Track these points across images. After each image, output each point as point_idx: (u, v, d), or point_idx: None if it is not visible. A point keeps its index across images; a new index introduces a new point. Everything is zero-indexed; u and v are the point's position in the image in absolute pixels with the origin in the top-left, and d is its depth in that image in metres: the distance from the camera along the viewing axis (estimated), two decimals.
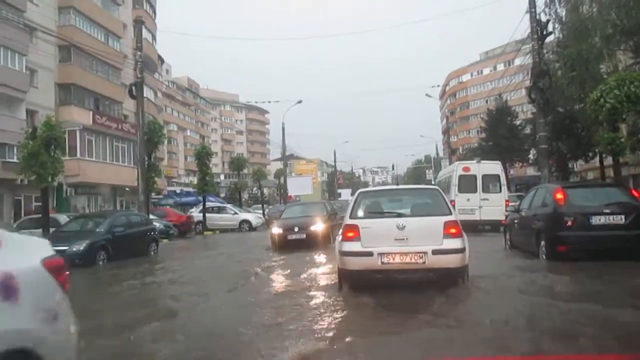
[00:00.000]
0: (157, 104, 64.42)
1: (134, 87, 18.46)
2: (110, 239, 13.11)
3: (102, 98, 35.34)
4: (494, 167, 20.29)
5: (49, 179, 16.47)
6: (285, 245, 15.37)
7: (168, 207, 36.51)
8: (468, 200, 18.91)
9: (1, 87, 26.13)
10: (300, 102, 42.42)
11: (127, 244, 13.57)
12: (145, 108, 42.17)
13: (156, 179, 21.69)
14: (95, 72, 34.94)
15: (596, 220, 9.52)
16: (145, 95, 43.00)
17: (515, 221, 12.41)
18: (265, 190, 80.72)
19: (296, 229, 15.90)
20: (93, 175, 31.51)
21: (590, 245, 9.44)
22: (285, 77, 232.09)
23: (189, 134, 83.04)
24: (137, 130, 18.95)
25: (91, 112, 33.27)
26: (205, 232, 26.75)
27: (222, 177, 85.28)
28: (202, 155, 27.11)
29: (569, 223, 9.58)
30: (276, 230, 16.10)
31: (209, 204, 30.67)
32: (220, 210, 29.56)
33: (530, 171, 61.84)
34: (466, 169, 19.94)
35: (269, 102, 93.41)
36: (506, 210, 17.38)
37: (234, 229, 27.96)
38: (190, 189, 56.26)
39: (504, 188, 19.65)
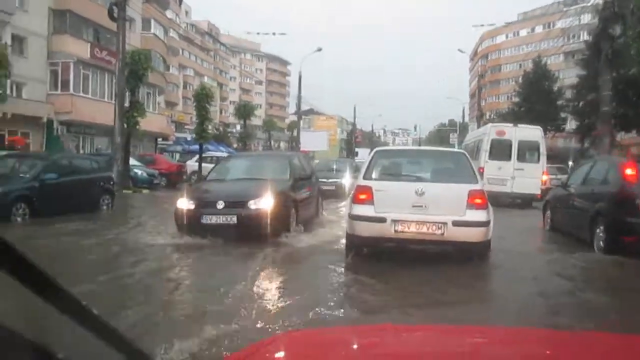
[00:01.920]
0: (171, 45, 61.59)
1: (114, 7, 15.34)
2: (36, 188, 10.06)
3: (103, 30, 32.13)
4: (533, 132, 17.71)
5: None
6: (200, 232, 8.39)
7: (176, 152, 33.97)
8: (499, 169, 16.70)
9: None
10: (320, 49, 39.00)
11: (64, 196, 10.52)
12: (151, 45, 39.52)
13: (139, 119, 18.86)
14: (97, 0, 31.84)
15: None
16: (152, 31, 40.40)
17: (561, 199, 10.50)
18: (282, 144, 78.21)
19: (220, 205, 8.63)
20: (88, 114, 28.88)
21: None
22: (310, 31, 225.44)
23: (206, 80, 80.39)
24: (117, 59, 15.94)
25: (89, 44, 30.36)
26: None
27: (238, 127, 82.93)
28: (201, 98, 24.07)
29: None
30: (185, 203, 8.82)
31: (211, 153, 27.95)
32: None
33: (561, 142, 58.39)
34: (500, 132, 17.42)
35: (273, 34, 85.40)
36: (546, 185, 16.36)
37: None
38: None
39: (543, 158, 17.20)
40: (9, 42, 25.06)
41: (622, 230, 7.77)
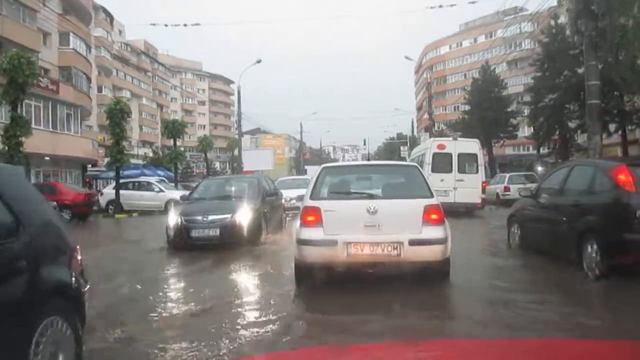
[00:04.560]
0: (102, 64, 57.86)
1: None
2: None
3: (8, 43, 28.46)
4: (471, 145, 18.93)
5: None
6: None
7: (110, 179, 30.14)
8: (442, 180, 17.04)
9: None
10: (259, 61, 36.33)
11: None
12: (71, 61, 35.82)
13: (22, 138, 15.39)
14: (1, 10, 28.29)
15: None
16: (71, 46, 36.71)
17: (532, 212, 9.23)
18: (219, 165, 74.85)
19: None
20: None
21: None
22: (252, 47, 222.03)
23: (144, 102, 76.78)
24: None
25: None
26: (119, 215, 20.51)
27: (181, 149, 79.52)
28: (115, 114, 20.61)
29: None
30: None
31: (146, 178, 24.51)
32: (141, 186, 23.05)
33: (510, 150, 57.77)
34: (441, 146, 18.49)
35: (184, 25, 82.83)
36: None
37: (160, 210, 21.07)
38: (140, 162, 50.06)
39: (482, 169, 18.51)
40: None
41: (621, 250, 6.55)
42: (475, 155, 18.19)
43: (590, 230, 7.13)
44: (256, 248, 10.34)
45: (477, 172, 18.09)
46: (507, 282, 7.16)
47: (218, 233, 10.43)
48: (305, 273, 6.73)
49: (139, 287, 7.34)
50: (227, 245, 10.22)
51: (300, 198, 9.08)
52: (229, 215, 10.63)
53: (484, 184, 18.27)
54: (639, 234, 6.39)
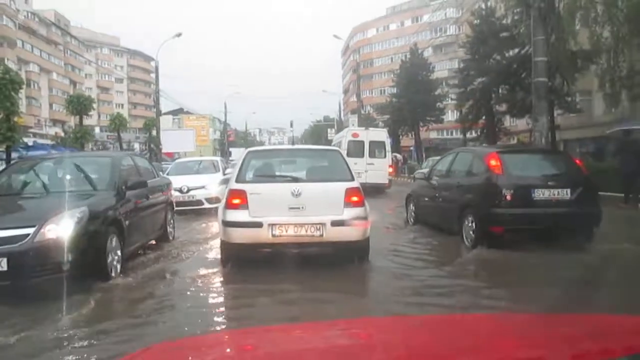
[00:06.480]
0: (5, 35, 53.07)
1: None
2: None
3: None
4: (380, 134, 22.13)
5: None
6: None
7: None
8: (355, 164, 18.14)
9: None
10: (179, 35, 33.84)
11: None
12: None
13: None
14: None
15: (539, 194, 7.79)
16: None
17: (425, 192, 10.61)
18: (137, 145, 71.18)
19: None
20: None
21: (531, 225, 7.83)
22: (174, 25, 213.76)
23: (55, 77, 71.42)
24: None
25: None
26: None
27: (97, 129, 74.67)
28: (3, 85, 17.73)
29: (508, 197, 7.77)
30: None
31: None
32: None
33: (434, 134, 58.44)
34: (355, 135, 21.04)
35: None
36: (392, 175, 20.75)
37: None
38: (49, 142, 46.37)
39: (388, 154, 21.29)
40: None
41: (490, 221, 7.85)
42: (383, 143, 21.02)
43: (468, 206, 8.35)
44: (90, 297, 5.44)
45: (385, 157, 20.82)
46: (404, 255, 7.92)
47: (5, 267, 5.20)
48: (231, 254, 7.02)
49: None
50: (27, 290, 5.28)
51: (225, 182, 8.71)
52: (29, 230, 5.38)
53: (391, 167, 21.44)
54: (504, 209, 7.68)
